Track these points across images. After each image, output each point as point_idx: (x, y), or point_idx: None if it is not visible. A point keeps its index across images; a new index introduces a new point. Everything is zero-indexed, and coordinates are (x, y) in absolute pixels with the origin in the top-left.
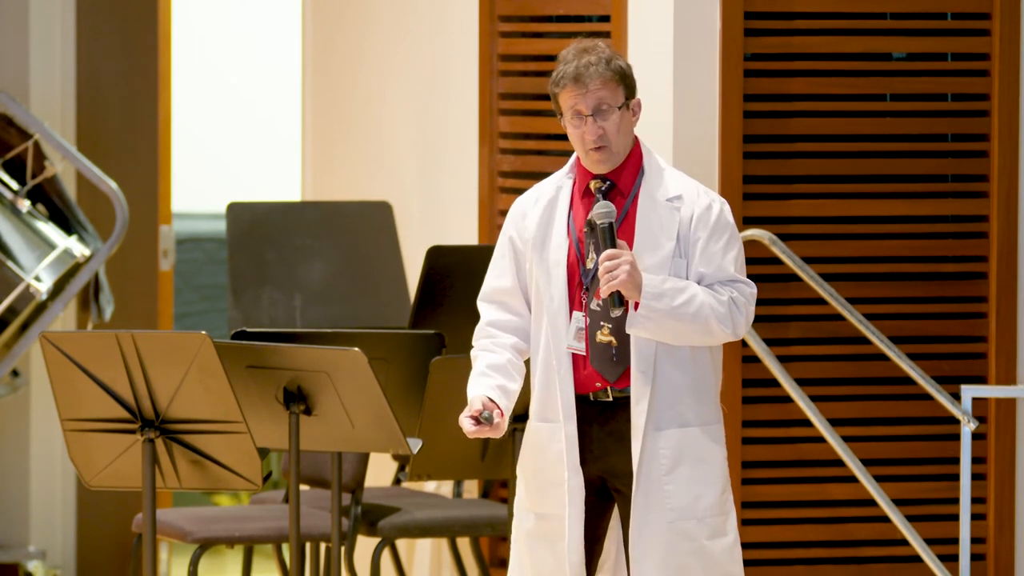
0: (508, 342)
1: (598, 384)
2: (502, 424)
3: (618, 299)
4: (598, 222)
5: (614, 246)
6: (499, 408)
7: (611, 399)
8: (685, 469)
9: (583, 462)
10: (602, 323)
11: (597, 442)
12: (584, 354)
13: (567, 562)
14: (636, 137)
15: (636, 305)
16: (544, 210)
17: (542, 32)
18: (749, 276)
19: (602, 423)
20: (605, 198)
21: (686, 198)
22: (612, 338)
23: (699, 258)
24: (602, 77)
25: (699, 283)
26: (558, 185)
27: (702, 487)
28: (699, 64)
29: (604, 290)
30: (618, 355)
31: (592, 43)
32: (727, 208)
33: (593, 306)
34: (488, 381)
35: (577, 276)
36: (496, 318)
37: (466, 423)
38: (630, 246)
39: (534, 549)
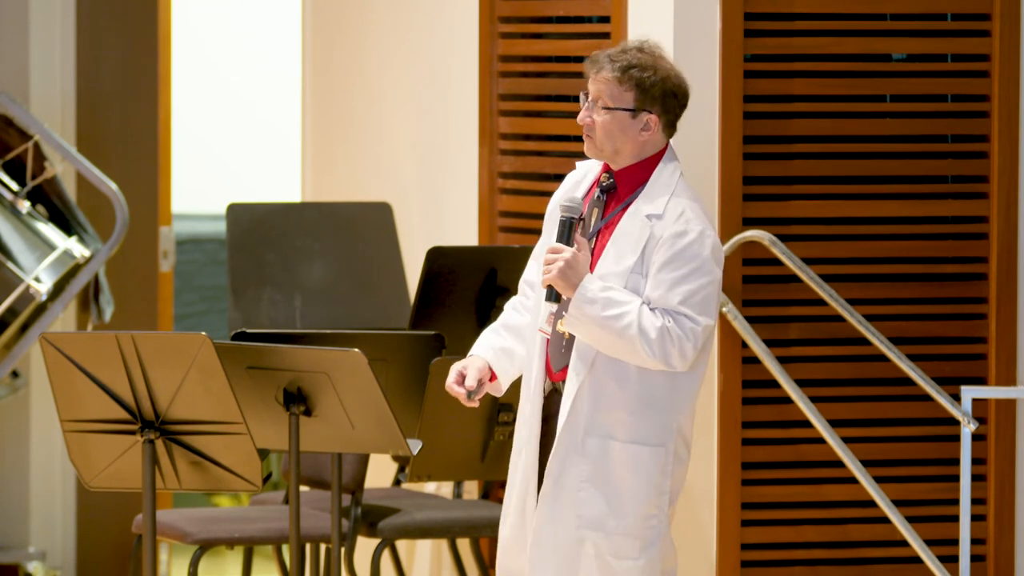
0: (517, 314)
1: (555, 371)
2: (497, 387)
3: (554, 294)
4: (560, 214)
5: (568, 241)
6: (492, 375)
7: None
8: (605, 482)
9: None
10: (564, 313)
11: (552, 435)
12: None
13: (509, 541)
14: (662, 152)
15: None
16: (569, 190)
17: (542, 33)
18: (749, 278)
19: (559, 414)
20: (604, 194)
21: (666, 219)
22: (567, 331)
23: (650, 281)
24: (605, 72)
25: (647, 304)
26: (587, 170)
27: (619, 505)
28: (699, 65)
29: (542, 281)
30: (566, 348)
31: (639, 44)
32: (708, 242)
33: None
34: (495, 340)
35: None
36: (533, 278)
37: (453, 374)
38: (599, 251)
39: (504, 521)
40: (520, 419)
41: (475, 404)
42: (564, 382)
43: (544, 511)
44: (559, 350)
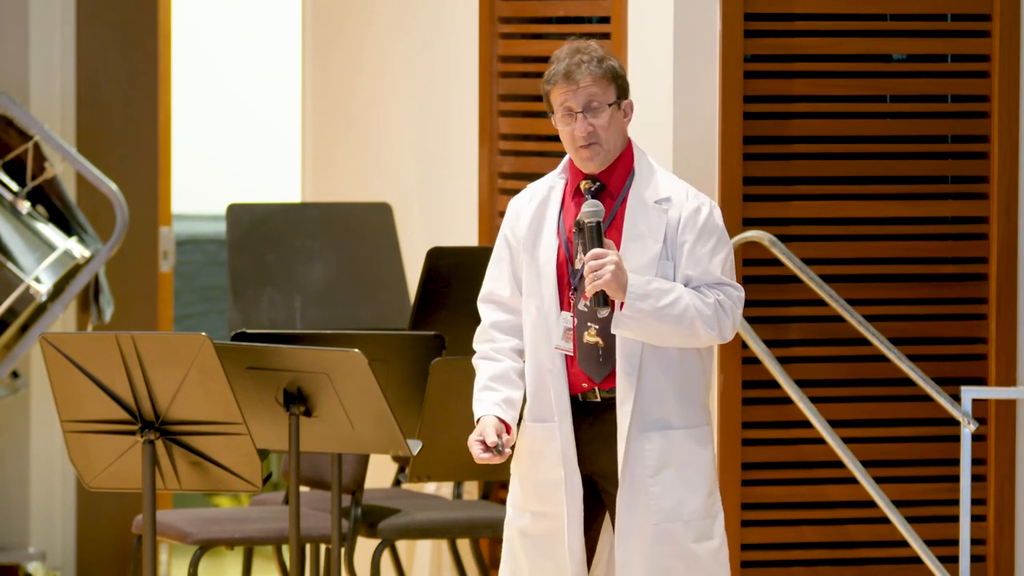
0: (508, 346)
1: (584, 384)
2: (512, 436)
3: (603, 299)
4: (586, 221)
5: (601, 246)
6: (507, 427)
7: (599, 400)
8: (671, 472)
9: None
10: (589, 324)
11: (586, 443)
12: (572, 354)
13: (568, 561)
14: (629, 139)
15: (622, 305)
16: (536, 210)
17: (542, 34)
18: (749, 278)
19: (591, 424)
20: (594, 199)
21: (675, 200)
22: (599, 339)
23: (686, 261)
24: (592, 74)
25: (686, 285)
26: (550, 185)
27: (687, 490)
28: (699, 65)
29: (589, 289)
30: (604, 356)
31: (585, 43)
32: (717, 211)
33: (581, 306)
34: (493, 396)
35: (566, 276)
36: (497, 319)
37: (476, 448)
38: (617, 247)
39: (531, 550)
40: (548, 445)
41: (508, 453)
42: (597, 390)
43: (624, 514)
44: (595, 360)
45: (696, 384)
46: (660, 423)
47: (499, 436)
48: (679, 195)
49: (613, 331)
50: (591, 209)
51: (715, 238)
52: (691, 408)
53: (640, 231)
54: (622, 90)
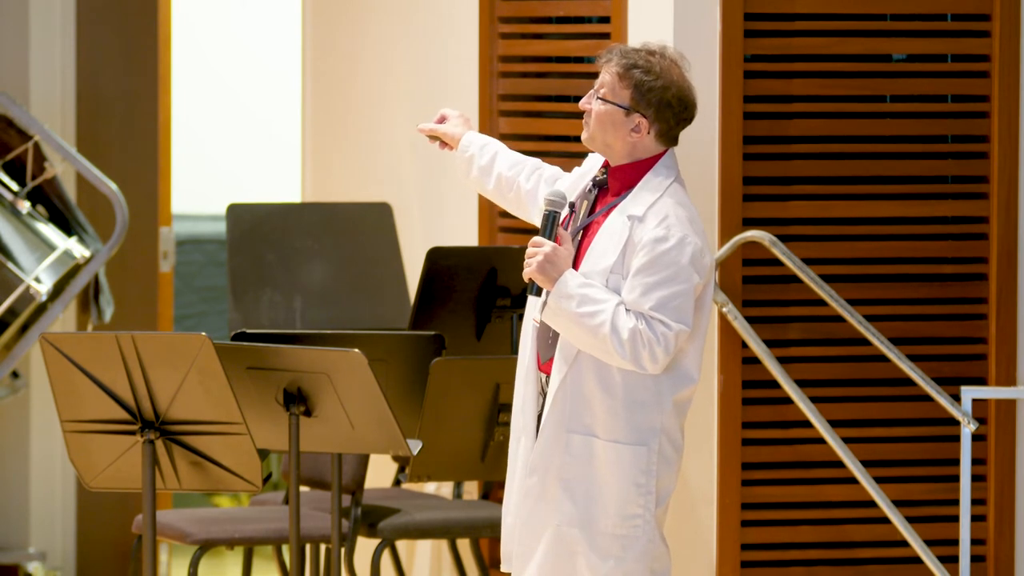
0: (530, 165)
1: (540, 362)
2: (456, 143)
3: (535, 286)
4: (544, 208)
5: (550, 234)
6: (460, 127)
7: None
8: (588, 480)
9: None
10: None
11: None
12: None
13: (503, 508)
14: (658, 157)
15: None
16: (575, 181)
17: (542, 34)
18: (748, 278)
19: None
20: (597, 188)
21: (648, 223)
22: (546, 322)
23: (627, 283)
24: (612, 65)
25: (623, 305)
26: (595, 163)
27: (602, 503)
28: (699, 65)
29: (523, 274)
30: (553, 340)
31: (660, 48)
32: (688, 250)
33: None
34: (494, 144)
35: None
36: (541, 166)
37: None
38: (584, 247)
39: (506, 508)
40: (516, 405)
41: (423, 130)
42: (549, 375)
43: (528, 506)
44: (546, 341)
45: (642, 402)
46: (584, 428)
47: (443, 126)
48: (654, 219)
49: (539, 318)
50: (552, 198)
51: (665, 273)
52: (629, 424)
53: (605, 239)
54: (639, 104)
